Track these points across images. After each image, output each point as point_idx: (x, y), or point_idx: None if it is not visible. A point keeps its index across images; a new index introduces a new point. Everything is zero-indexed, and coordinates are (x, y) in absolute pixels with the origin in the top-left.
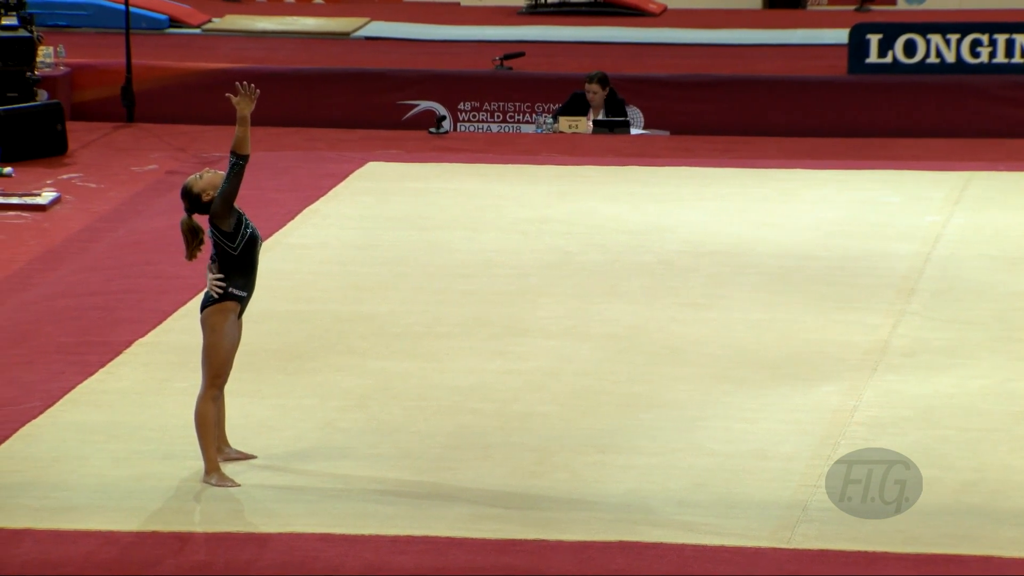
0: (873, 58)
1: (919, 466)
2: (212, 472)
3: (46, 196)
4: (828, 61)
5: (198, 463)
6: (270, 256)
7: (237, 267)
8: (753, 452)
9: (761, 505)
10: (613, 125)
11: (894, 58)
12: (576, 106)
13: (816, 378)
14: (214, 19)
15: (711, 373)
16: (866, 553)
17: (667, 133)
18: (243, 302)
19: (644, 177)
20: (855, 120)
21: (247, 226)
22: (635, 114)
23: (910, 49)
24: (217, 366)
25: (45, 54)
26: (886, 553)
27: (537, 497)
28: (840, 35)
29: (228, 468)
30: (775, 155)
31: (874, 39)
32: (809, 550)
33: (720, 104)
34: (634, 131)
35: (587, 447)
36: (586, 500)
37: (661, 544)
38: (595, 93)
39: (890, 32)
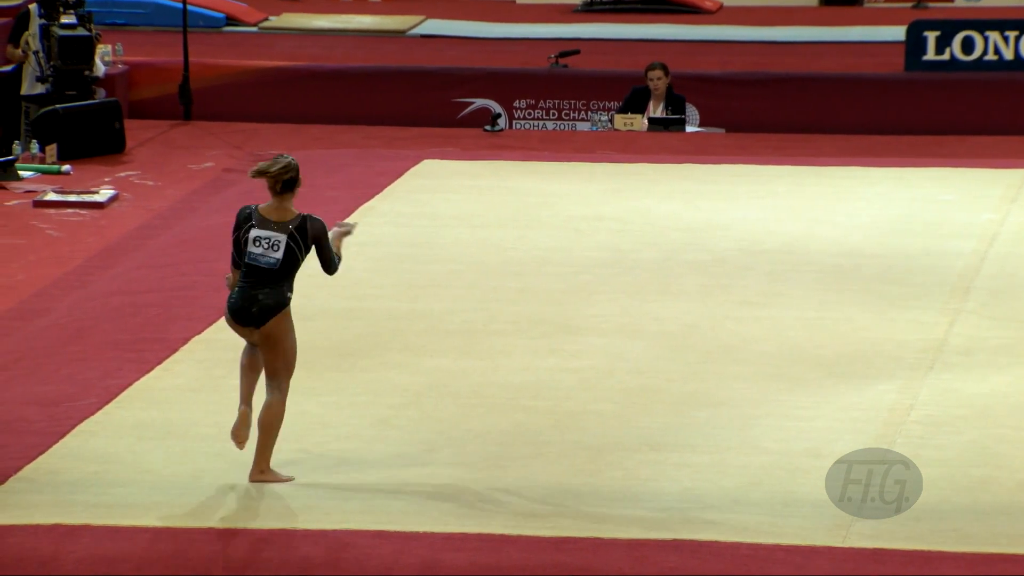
0: (930, 55)
1: (975, 465)
2: (269, 470)
3: (104, 194)
4: (885, 58)
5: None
6: None
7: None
8: (808, 451)
9: (816, 504)
10: (668, 123)
11: (951, 55)
12: (637, 101)
13: (872, 376)
14: (271, 17)
15: (766, 371)
16: (922, 552)
17: (722, 131)
18: None
19: (699, 175)
20: (912, 118)
21: None
22: (691, 112)
23: (968, 46)
24: (294, 366)
25: (103, 52)
26: (942, 552)
27: (591, 495)
28: (897, 32)
29: (280, 462)
30: (831, 153)
31: (931, 36)
32: (864, 549)
33: (776, 102)
34: (689, 129)
35: (641, 445)
36: (640, 498)
37: (716, 543)
38: (659, 79)
39: (948, 29)
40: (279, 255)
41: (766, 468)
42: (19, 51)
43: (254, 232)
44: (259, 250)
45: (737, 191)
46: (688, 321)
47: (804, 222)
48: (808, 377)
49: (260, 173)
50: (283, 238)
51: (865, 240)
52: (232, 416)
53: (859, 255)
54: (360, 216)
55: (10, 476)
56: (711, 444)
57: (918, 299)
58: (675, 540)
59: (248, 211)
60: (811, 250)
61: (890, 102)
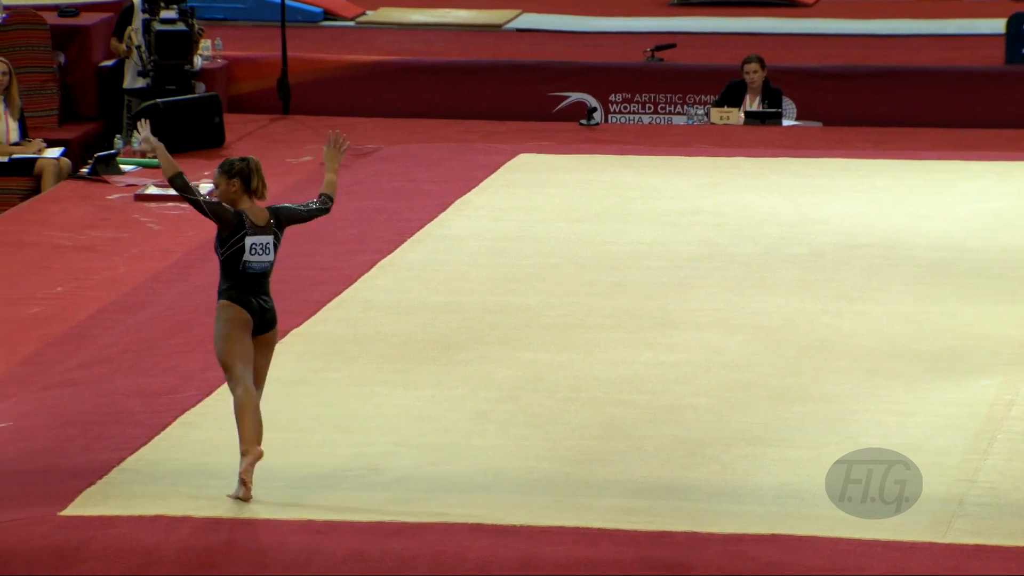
0: None
1: None
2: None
3: (204, 187)
4: (985, 51)
5: (355, 451)
6: (422, 247)
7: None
8: (906, 446)
9: (916, 499)
10: (765, 116)
11: None
12: (733, 94)
13: (971, 371)
14: (368, 12)
15: (864, 366)
16: None
17: (820, 124)
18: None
19: (797, 169)
20: (1012, 111)
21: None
22: (787, 105)
23: None
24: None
25: (204, 47)
26: None
27: (688, 489)
28: (997, 25)
29: (377, 455)
30: (930, 147)
31: None
32: (966, 545)
33: (874, 95)
34: (786, 122)
35: (738, 440)
36: (737, 493)
37: (815, 538)
38: (755, 72)
39: None
40: (271, 257)
41: None
42: (123, 46)
43: (250, 240)
44: (255, 257)
45: (835, 185)
46: (786, 316)
47: (903, 216)
48: (907, 372)
49: (253, 172)
50: (270, 239)
51: (965, 234)
52: (330, 408)
53: (959, 249)
54: (457, 210)
55: (113, 467)
56: (809, 439)
57: (1018, 294)
58: (773, 535)
59: (240, 215)
60: (910, 244)
61: (990, 95)
